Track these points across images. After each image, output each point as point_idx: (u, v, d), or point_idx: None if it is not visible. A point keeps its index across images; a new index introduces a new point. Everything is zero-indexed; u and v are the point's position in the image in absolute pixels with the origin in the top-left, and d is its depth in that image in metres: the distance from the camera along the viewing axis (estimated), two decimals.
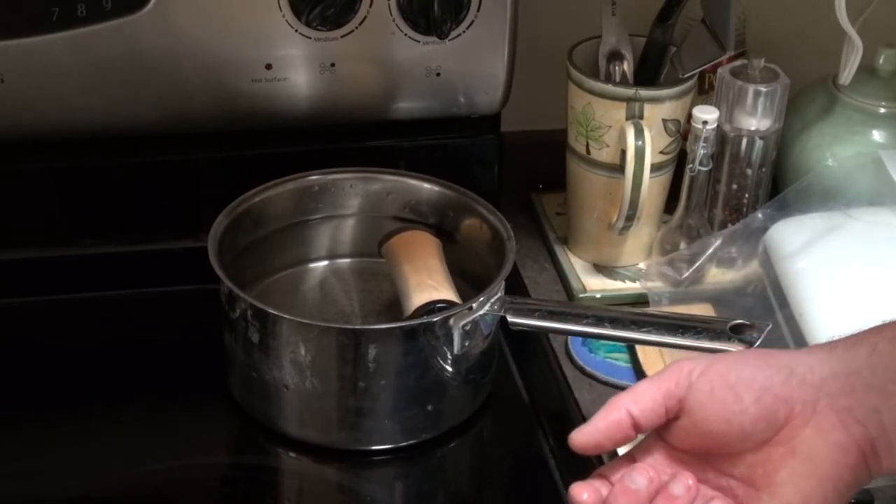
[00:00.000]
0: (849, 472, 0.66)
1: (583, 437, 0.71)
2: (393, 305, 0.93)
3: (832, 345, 0.70)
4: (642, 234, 1.03)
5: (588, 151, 1.01)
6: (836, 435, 0.66)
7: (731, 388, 0.68)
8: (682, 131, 1.01)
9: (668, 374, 0.71)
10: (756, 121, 1.01)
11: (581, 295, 1.02)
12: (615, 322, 0.87)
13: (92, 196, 1.02)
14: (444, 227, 0.97)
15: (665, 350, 0.92)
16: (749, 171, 1.02)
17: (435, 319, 0.85)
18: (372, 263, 0.99)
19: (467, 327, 0.86)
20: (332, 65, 1.00)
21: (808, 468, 0.65)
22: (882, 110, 1.05)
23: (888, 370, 0.67)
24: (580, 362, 0.95)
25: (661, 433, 0.71)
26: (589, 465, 0.81)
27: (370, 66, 1.01)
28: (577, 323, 0.88)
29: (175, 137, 1.01)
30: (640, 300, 1.00)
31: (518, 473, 0.91)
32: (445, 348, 0.86)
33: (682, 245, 1.01)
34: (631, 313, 0.89)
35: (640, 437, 0.72)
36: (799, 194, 1.00)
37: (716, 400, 0.68)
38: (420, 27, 0.98)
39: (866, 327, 0.70)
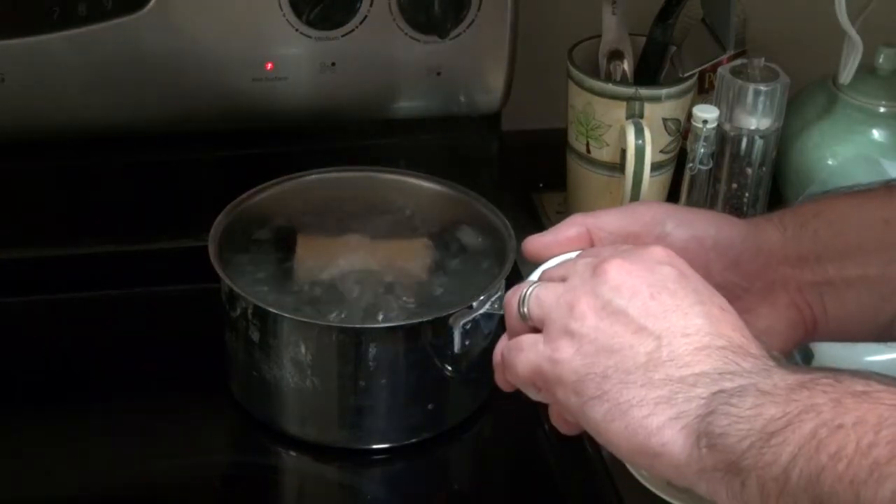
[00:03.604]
0: (795, 344, 0.72)
1: (536, 244, 0.72)
2: (393, 303, 0.93)
3: (783, 223, 0.73)
4: None
5: (588, 150, 1.01)
6: (790, 313, 0.71)
7: (705, 252, 0.70)
8: (683, 130, 1.01)
9: (638, 214, 0.71)
10: (756, 120, 1.01)
11: None
12: None
13: (92, 196, 1.03)
14: (444, 227, 0.97)
15: None
16: (749, 171, 1.02)
17: (435, 318, 0.85)
18: (372, 262, 0.99)
19: (467, 326, 0.86)
20: (333, 64, 1.00)
21: (764, 338, 0.64)
22: (882, 110, 1.05)
23: (829, 255, 0.71)
24: None
25: None
26: (588, 465, 0.82)
27: (371, 66, 1.01)
28: None
29: (175, 137, 1.01)
30: None
31: (518, 473, 0.91)
32: (446, 347, 0.86)
33: None
34: None
35: None
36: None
37: (687, 257, 0.65)
38: (420, 26, 0.98)
39: (806, 202, 0.76)
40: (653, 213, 0.73)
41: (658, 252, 0.64)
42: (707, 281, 0.64)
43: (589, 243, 0.72)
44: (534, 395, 0.67)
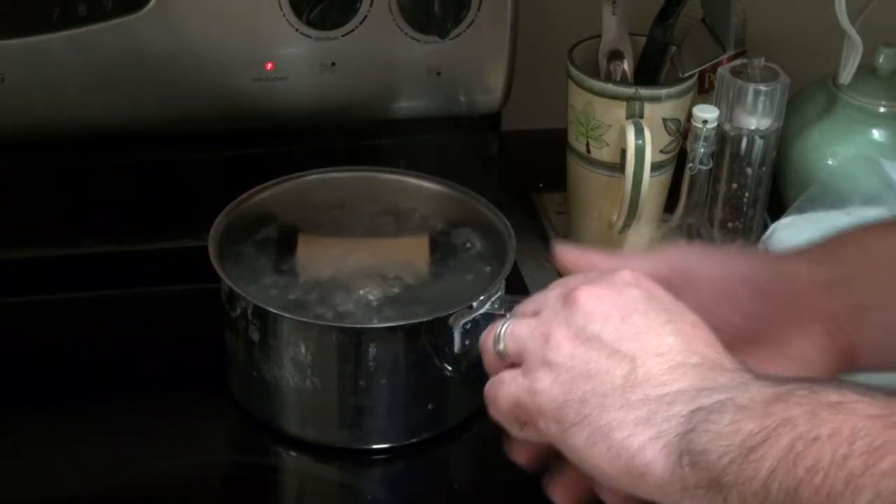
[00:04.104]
0: (834, 374, 0.69)
1: (567, 254, 0.74)
2: (393, 303, 0.93)
3: (808, 255, 0.73)
4: (642, 233, 1.03)
5: (588, 151, 1.01)
6: (823, 341, 0.69)
7: (733, 287, 0.69)
8: (682, 130, 1.01)
9: (665, 257, 0.72)
10: (756, 120, 1.01)
11: None
12: None
13: (92, 196, 1.02)
14: (444, 227, 0.97)
15: None
16: (749, 171, 1.02)
17: (435, 318, 0.85)
18: (372, 262, 0.99)
19: (467, 326, 0.86)
20: (333, 64, 1.00)
21: (799, 368, 0.66)
22: (882, 109, 1.05)
23: (858, 281, 0.70)
24: None
25: None
26: None
27: (371, 66, 1.01)
28: None
29: (175, 137, 1.01)
30: None
31: (518, 473, 0.91)
32: (446, 347, 0.86)
33: (682, 244, 1.01)
34: None
35: None
36: (814, 202, 1.00)
37: (716, 294, 0.67)
38: (420, 26, 0.98)
39: (832, 235, 0.74)
40: (680, 256, 0.73)
41: (626, 275, 0.65)
42: (736, 313, 0.66)
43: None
44: (517, 433, 0.67)
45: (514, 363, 0.66)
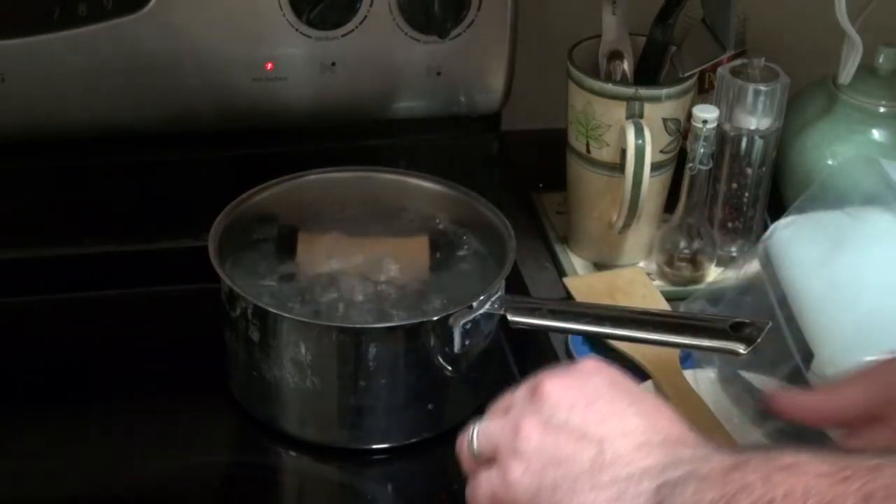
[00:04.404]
0: None
1: (782, 403, 0.73)
2: (393, 303, 0.93)
3: None
4: (642, 233, 1.03)
5: (588, 150, 1.01)
6: None
7: None
8: (682, 130, 1.01)
9: (873, 391, 0.71)
10: (756, 120, 1.01)
11: None
12: (615, 321, 0.87)
13: (92, 196, 1.03)
14: (444, 227, 0.97)
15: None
16: (749, 171, 1.02)
17: (435, 318, 0.85)
18: (372, 263, 0.99)
19: (467, 326, 0.86)
20: (333, 64, 1.00)
21: None
22: (882, 109, 1.05)
23: None
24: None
25: None
26: None
27: (371, 66, 1.01)
28: (577, 322, 0.88)
29: (175, 137, 1.01)
30: None
31: None
32: (446, 347, 0.86)
33: (682, 244, 1.01)
34: (631, 312, 0.89)
35: None
36: (814, 202, 1.00)
37: None
38: (420, 26, 0.99)
39: None
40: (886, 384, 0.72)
41: (588, 364, 0.67)
42: None
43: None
44: None
45: (489, 460, 0.67)
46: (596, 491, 0.60)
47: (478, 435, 0.68)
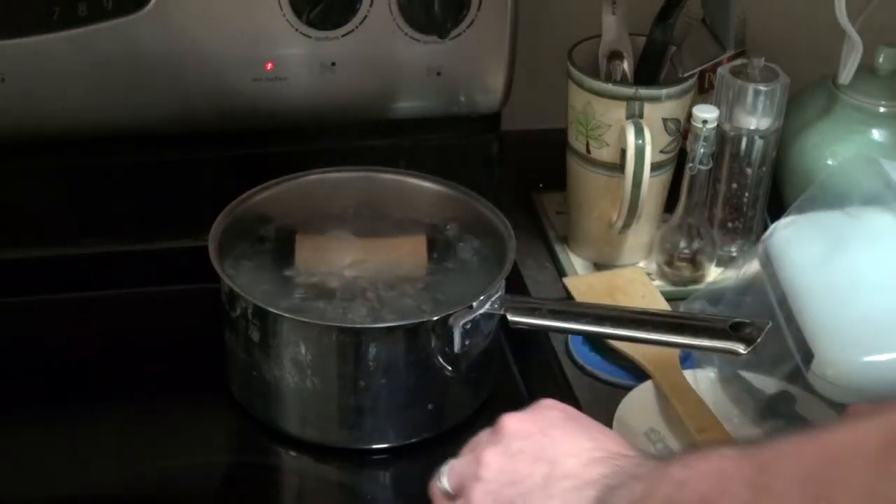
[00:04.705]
0: None
1: None
2: (393, 303, 0.93)
3: None
4: (642, 232, 1.03)
5: (588, 151, 1.01)
6: None
7: None
8: (682, 130, 1.01)
9: None
10: (756, 120, 1.01)
11: None
12: (615, 321, 0.87)
13: (92, 195, 1.03)
14: (444, 227, 0.97)
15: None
16: (749, 171, 1.02)
17: (435, 318, 0.85)
18: (372, 263, 0.99)
19: (467, 326, 0.86)
20: (333, 64, 1.00)
21: None
22: (882, 109, 1.05)
23: None
24: (580, 361, 0.95)
25: None
26: None
27: (370, 66, 1.01)
28: (577, 322, 0.88)
29: (175, 137, 1.01)
30: None
31: None
32: (446, 347, 0.86)
33: (682, 244, 1.01)
34: (631, 312, 0.89)
35: None
36: (814, 202, 1.00)
37: None
38: (420, 26, 0.99)
39: None
40: None
41: (546, 402, 0.75)
42: None
43: None
44: None
45: (458, 495, 0.73)
46: (546, 501, 0.68)
47: (447, 473, 0.75)
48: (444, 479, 0.75)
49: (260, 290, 0.90)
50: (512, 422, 0.72)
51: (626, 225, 1.00)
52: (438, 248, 0.96)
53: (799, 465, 0.55)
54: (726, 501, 0.57)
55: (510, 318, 0.87)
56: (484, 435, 0.74)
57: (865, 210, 0.98)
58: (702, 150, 0.97)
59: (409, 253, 0.96)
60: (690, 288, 1.01)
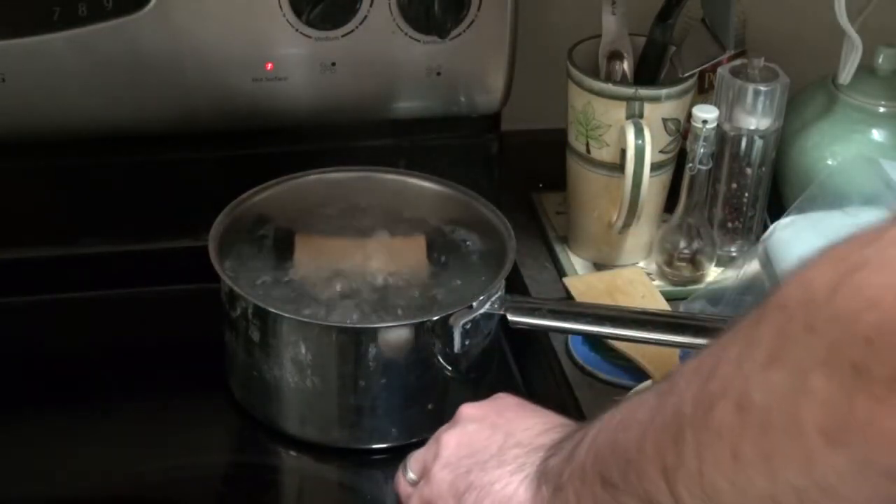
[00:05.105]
0: None
1: None
2: (393, 303, 0.93)
3: None
4: (642, 232, 1.03)
5: (588, 151, 1.01)
6: None
7: None
8: (682, 130, 1.01)
9: None
10: (756, 120, 1.01)
11: None
12: (615, 321, 0.87)
13: (92, 195, 1.03)
14: (444, 227, 0.97)
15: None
16: (749, 171, 1.02)
17: (435, 318, 0.85)
18: (371, 263, 0.99)
19: (467, 326, 0.86)
20: (333, 64, 1.00)
21: None
22: (881, 110, 1.05)
23: None
24: (580, 361, 0.95)
25: None
26: None
27: (371, 66, 1.01)
28: (577, 322, 0.88)
29: (175, 137, 1.01)
30: None
31: None
32: (446, 347, 0.86)
33: (682, 244, 1.01)
34: (631, 312, 0.90)
35: None
36: (814, 202, 1.00)
37: None
38: (420, 26, 0.98)
39: None
40: None
41: (501, 393, 0.80)
42: None
43: None
44: None
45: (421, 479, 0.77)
46: (501, 467, 0.71)
47: (409, 462, 0.78)
48: (409, 469, 0.78)
49: (260, 290, 0.90)
50: (469, 409, 0.77)
51: (626, 225, 1.00)
52: (438, 248, 0.96)
53: (695, 365, 0.59)
54: (642, 412, 0.61)
55: (510, 318, 0.87)
56: (443, 427, 0.78)
57: (865, 210, 0.98)
58: (702, 150, 0.97)
59: (408, 253, 0.96)
60: (690, 288, 1.01)
